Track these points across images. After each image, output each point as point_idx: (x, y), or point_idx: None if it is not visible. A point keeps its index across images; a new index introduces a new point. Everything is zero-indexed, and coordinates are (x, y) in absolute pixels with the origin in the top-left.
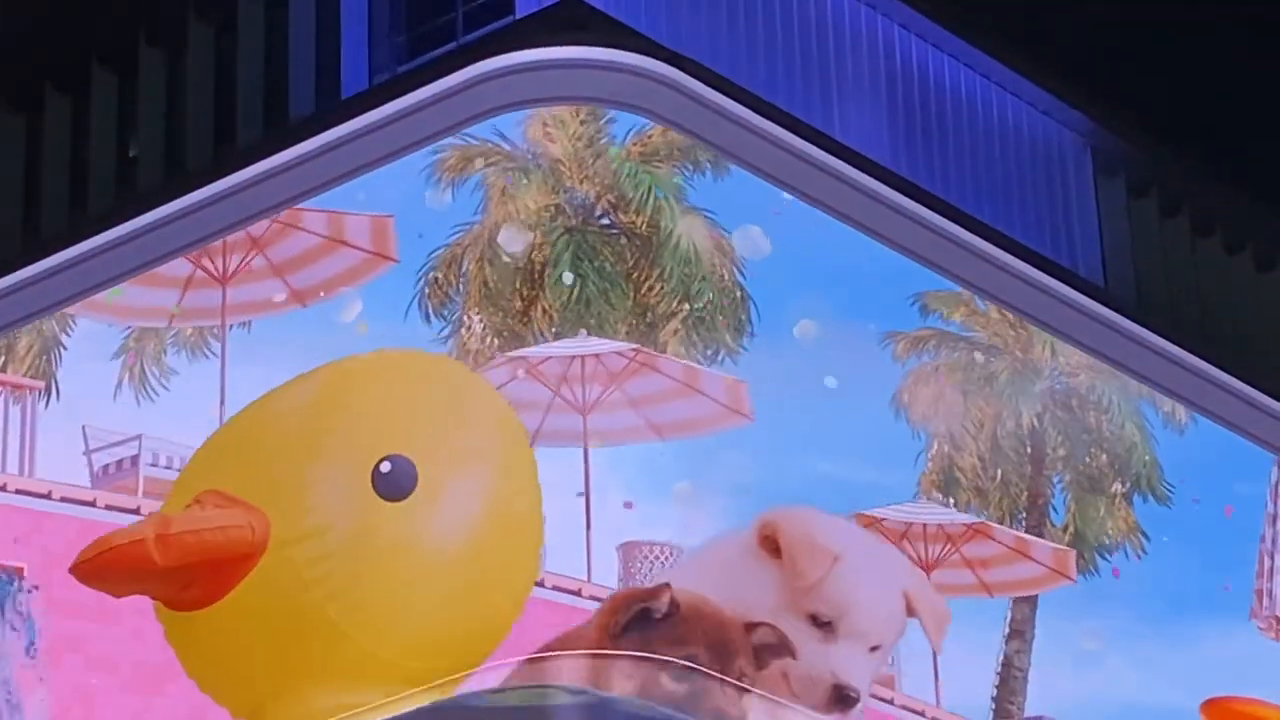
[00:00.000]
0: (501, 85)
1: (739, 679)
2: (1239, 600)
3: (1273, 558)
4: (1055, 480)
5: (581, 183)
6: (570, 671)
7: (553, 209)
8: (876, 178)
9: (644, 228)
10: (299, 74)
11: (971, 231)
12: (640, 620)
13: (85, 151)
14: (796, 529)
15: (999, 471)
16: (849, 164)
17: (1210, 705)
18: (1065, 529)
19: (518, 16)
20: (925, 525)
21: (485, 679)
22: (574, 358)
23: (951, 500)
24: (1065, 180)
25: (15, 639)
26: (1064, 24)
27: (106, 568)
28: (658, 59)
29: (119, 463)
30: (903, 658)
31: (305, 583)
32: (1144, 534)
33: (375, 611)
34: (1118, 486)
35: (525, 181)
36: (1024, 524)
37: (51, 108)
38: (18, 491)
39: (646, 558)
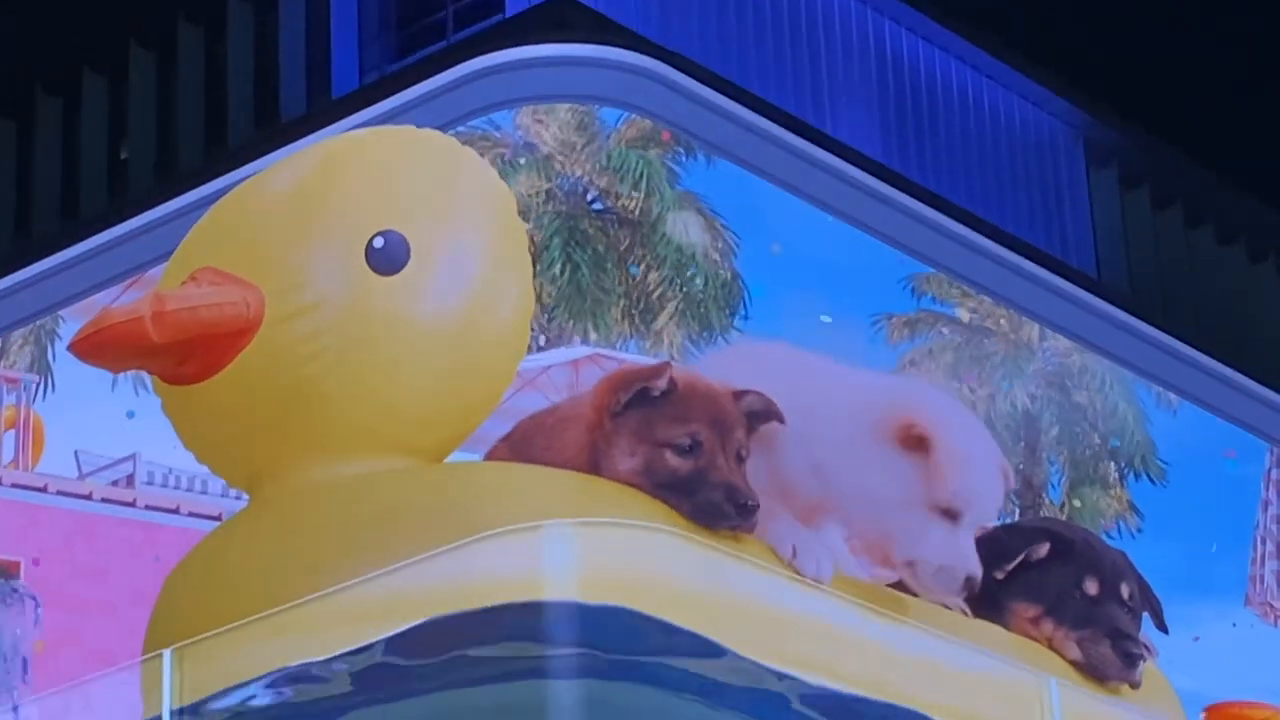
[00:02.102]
0: (491, 83)
1: (738, 452)
2: (1235, 583)
3: (1265, 544)
4: (1050, 460)
5: (573, 168)
6: (571, 450)
7: (544, 194)
8: (868, 171)
9: (636, 212)
10: (290, 74)
11: (964, 224)
12: (640, 399)
13: (76, 155)
14: (949, 437)
15: None
16: (840, 158)
17: (1214, 711)
18: (1062, 508)
19: (507, 15)
20: None
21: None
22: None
23: None
24: (1058, 172)
25: (18, 631)
26: (1055, 16)
27: (104, 345)
28: (647, 55)
29: (114, 484)
30: None
31: (300, 357)
32: (1138, 512)
33: (370, 384)
34: (1112, 465)
35: (519, 166)
36: (1019, 505)
37: (42, 112)
38: (13, 485)
39: None
